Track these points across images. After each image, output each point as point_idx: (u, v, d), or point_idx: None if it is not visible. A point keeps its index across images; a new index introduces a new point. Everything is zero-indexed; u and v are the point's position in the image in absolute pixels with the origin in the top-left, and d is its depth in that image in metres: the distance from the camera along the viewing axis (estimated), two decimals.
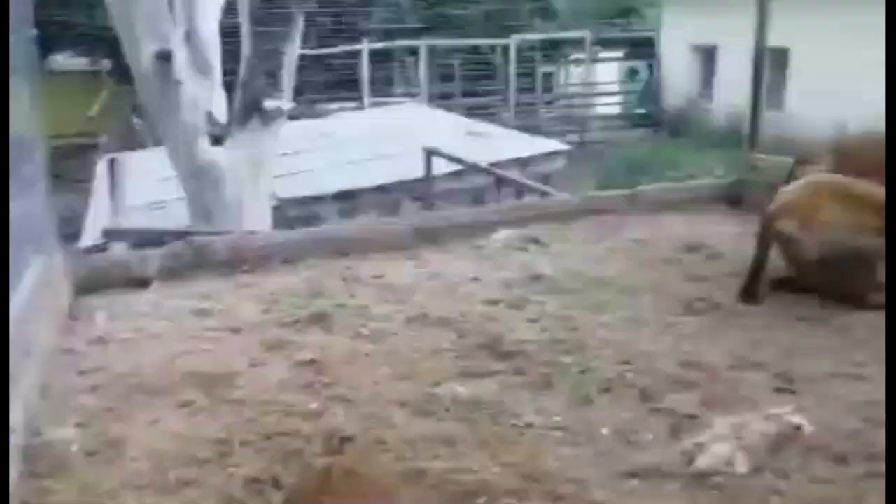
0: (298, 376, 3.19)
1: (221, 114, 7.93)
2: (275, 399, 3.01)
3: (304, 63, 20.27)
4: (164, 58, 7.29)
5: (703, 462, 2.41)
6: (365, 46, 17.89)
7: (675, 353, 3.23)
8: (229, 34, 8.23)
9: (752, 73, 5.59)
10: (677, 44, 19.82)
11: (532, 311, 3.76)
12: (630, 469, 2.44)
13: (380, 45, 19.52)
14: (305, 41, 20.49)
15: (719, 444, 2.45)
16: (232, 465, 2.57)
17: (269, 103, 7.65)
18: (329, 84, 21.44)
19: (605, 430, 2.68)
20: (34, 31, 3.90)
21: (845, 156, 4.23)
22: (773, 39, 16.94)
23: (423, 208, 9.58)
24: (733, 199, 5.55)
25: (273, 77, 7.63)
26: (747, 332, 3.43)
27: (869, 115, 13.45)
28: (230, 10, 8.12)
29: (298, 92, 20.07)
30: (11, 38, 3.22)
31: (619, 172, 12.55)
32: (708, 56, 18.73)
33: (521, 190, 9.03)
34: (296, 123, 13.89)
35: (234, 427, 2.80)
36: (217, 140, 7.74)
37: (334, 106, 18.92)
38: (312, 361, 3.31)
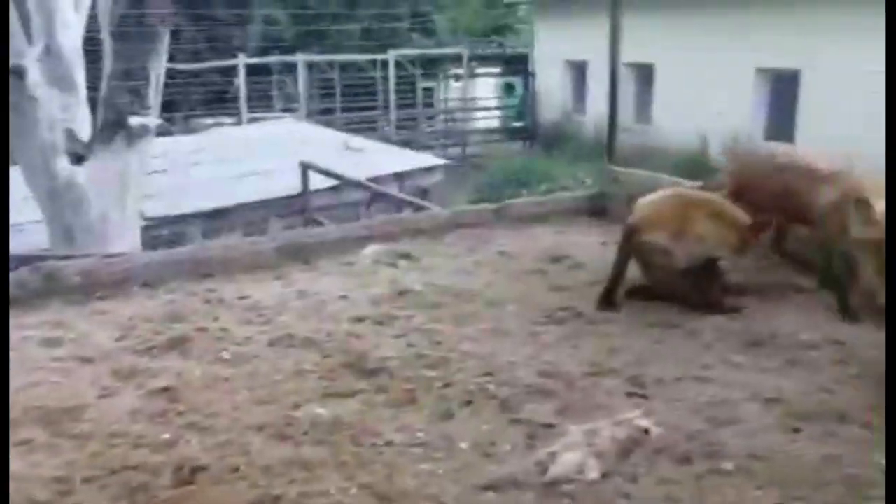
0: (151, 405, 3.05)
1: (86, 131, 7.56)
2: (124, 431, 2.86)
3: (179, 78, 19.75)
4: (17, 74, 6.91)
5: (555, 471, 2.45)
6: (241, 61, 17.52)
7: (535, 362, 3.29)
8: (95, 50, 7.87)
9: (609, 89, 5.81)
10: (550, 59, 20.45)
11: (398, 326, 3.74)
12: (486, 482, 2.46)
13: (256, 60, 19.19)
14: (180, 56, 19.90)
15: (571, 452, 2.50)
16: None
17: (134, 120, 7.36)
18: (205, 100, 20.89)
19: (464, 444, 2.69)
20: None
21: (743, 177, 4.45)
22: (640, 56, 17.72)
23: (301, 224, 9.44)
24: (596, 210, 5.74)
25: (139, 93, 7.33)
26: (605, 340, 3.54)
27: (727, 126, 14.33)
28: (95, 25, 7.76)
29: (173, 108, 19.47)
30: None
31: (496, 186, 12.78)
32: (580, 71, 19.42)
33: (399, 205, 9.05)
34: (169, 140, 13.45)
35: (76, 463, 2.64)
36: (79, 159, 7.37)
37: (210, 121, 18.44)
38: (167, 389, 3.16)
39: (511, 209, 5.68)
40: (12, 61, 6.89)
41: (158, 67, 7.56)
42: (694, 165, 13.56)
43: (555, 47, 20.00)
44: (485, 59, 23.12)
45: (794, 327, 3.61)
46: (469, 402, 2.99)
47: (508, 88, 22.81)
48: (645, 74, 17.69)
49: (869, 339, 3.47)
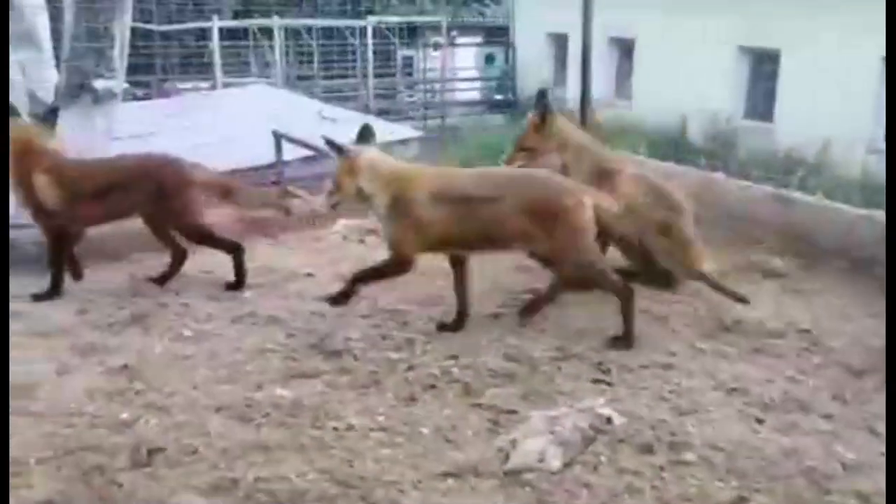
0: (109, 384, 2.99)
1: (50, 93, 7.35)
2: (80, 410, 2.81)
3: (154, 41, 19.31)
4: None
5: (516, 459, 2.43)
6: (215, 24, 17.13)
7: (500, 346, 3.26)
8: (57, 8, 7.62)
9: (581, 66, 5.72)
10: (531, 31, 20.25)
11: (365, 306, 3.69)
12: (447, 468, 2.43)
13: (231, 23, 18.80)
14: (153, 17, 19.38)
15: (532, 440, 2.48)
16: (24, 486, 2.37)
17: (99, 83, 7.15)
18: (181, 63, 20.48)
19: (425, 429, 2.66)
20: None
21: None
22: (622, 31, 17.43)
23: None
24: None
25: (103, 55, 7.11)
26: (571, 323, 3.51)
27: (707, 104, 14.30)
28: None
29: (147, 71, 19.02)
30: None
31: (475, 159, 12.64)
32: (561, 44, 19.25)
33: None
34: (140, 104, 13.16)
35: (30, 443, 2.59)
36: (43, 121, 7.16)
37: (187, 86, 18.09)
38: (126, 367, 3.11)
39: None
40: None
41: (123, 27, 7.32)
42: (671, 144, 13.55)
43: (536, 19, 19.81)
44: (465, 29, 22.84)
45: (761, 314, 3.59)
46: (432, 386, 2.95)
47: (489, 59, 22.58)
48: (626, 50, 17.59)
49: (835, 328, 3.48)
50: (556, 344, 3.27)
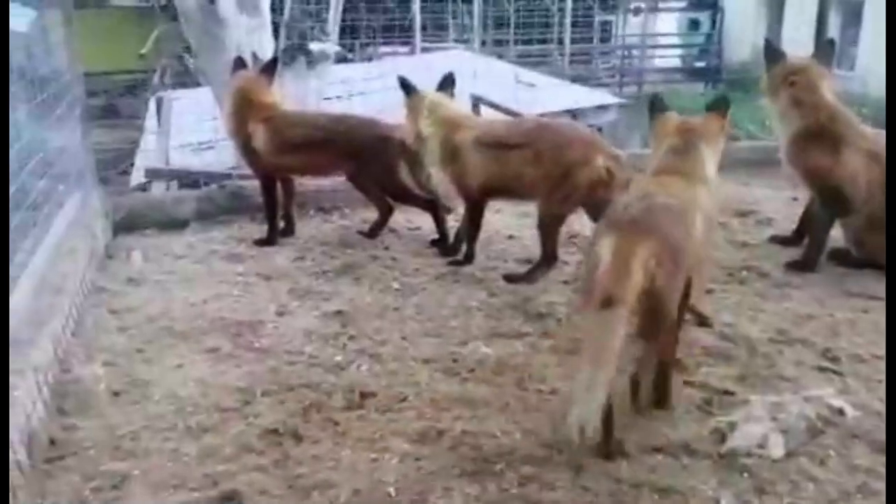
0: (325, 327, 3.15)
1: (268, 55, 7.85)
2: (299, 349, 2.98)
3: (358, 5, 20.08)
4: None
5: (734, 442, 2.29)
6: None
7: (715, 323, 3.08)
8: None
9: (815, 30, 5.24)
10: None
11: (567, 272, 3.63)
12: (656, 443, 2.34)
13: None
14: None
15: (753, 425, 2.33)
16: (252, 415, 2.55)
17: (314, 45, 7.54)
18: (384, 27, 21.16)
19: None
20: None
21: None
22: None
23: None
24: None
25: (319, 19, 7.49)
26: (794, 306, 3.26)
27: None
28: None
29: (352, 34, 19.88)
30: None
31: None
32: (776, 7, 17.90)
33: None
34: (346, 66, 13.77)
35: (256, 376, 2.78)
36: None
37: (387, 49, 18.70)
38: (339, 313, 3.26)
39: None
40: None
41: None
42: None
43: None
44: None
45: None
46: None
47: (693, 25, 21.46)
48: (850, 12, 16.04)
49: None
50: (777, 326, 3.05)
